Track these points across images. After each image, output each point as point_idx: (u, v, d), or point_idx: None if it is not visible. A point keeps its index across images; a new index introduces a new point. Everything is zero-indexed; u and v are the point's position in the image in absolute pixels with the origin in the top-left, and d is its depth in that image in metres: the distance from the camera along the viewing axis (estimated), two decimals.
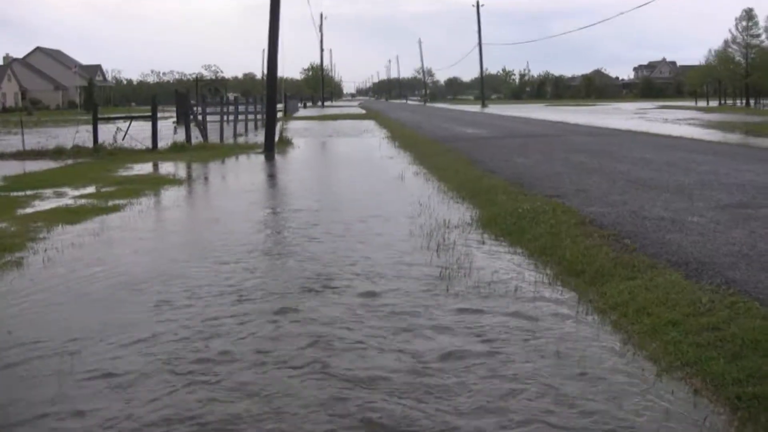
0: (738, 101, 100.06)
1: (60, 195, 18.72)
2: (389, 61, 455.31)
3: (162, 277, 10.24)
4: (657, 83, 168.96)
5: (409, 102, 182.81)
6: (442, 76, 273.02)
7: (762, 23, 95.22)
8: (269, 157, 29.74)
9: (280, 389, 6.33)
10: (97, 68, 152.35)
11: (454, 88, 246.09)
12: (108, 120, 37.97)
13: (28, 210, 16.44)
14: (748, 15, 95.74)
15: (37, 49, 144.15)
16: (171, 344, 7.46)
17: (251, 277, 10.13)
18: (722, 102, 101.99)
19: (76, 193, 19.04)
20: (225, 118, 42.37)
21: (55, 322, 8.31)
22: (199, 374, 6.67)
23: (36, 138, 38.99)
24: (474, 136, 37.15)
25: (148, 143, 32.67)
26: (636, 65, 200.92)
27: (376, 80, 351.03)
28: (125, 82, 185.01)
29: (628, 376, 6.53)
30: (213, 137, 37.20)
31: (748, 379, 6.14)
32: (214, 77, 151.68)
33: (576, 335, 7.59)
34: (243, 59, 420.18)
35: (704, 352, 6.72)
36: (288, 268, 10.72)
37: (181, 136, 35.26)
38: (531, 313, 8.32)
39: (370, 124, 57.90)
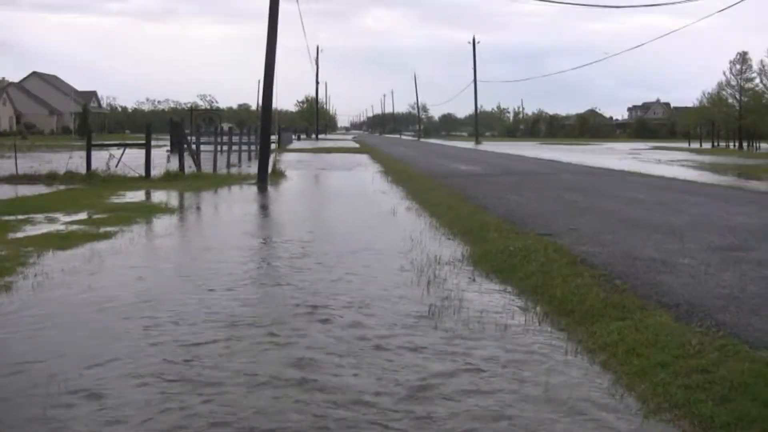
0: (731, 143, 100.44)
1: (51, 220, 18.68)
2: (384, 95, 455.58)
3: (150, 302, 10.23)
4: (651, 124, 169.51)
5: (403, 137, 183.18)
6: (436, 112, 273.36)
7: (756, 66, 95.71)
8: (262, 189, 29.72)
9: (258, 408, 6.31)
10: (93, 95, 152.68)
11: (448, 124, 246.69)
12: (102, 147, 38.01)
13: (19, 234, 16.40)
14: (743, 58, 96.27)
15: (33, 73, 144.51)
16: (154, 366, 7.45)
17: (237, 305, 10.10)
18: (715, 144, 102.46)
19: (68, 219, 18.99)
20: (219, 148, 42.40)
21: (41, 345, 8.28)
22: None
23: (29, 162, 38.96)
24: (467, 173, 37.22)
25: (142, 171, 32.64)
26: (630, 105, 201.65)
27: (370, 114, 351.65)
28: (120, 109, 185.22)
29: (616, 418, 6.52)
30: (206, 167, 37.17)
31: (736, 422, 6.14)
32: (209, 107, 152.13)
33: (565, 375, 7.57)
34: (238, 90, 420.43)
35: (693, 395, 6.71)
36: (275, 298, 10.68)
37: (174, 164, 35.24)
38: (519, 352, 8.31)
39: (363, 158, 57.98)
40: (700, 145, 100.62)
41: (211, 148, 40.94)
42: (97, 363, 7.70)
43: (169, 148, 52.27)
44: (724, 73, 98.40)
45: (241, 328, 9.07)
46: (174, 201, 24.11)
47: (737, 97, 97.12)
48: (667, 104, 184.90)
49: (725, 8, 45.89)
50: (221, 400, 6.77)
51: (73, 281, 11.75)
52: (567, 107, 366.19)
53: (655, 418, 6.48)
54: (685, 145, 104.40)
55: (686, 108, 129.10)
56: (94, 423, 6.28)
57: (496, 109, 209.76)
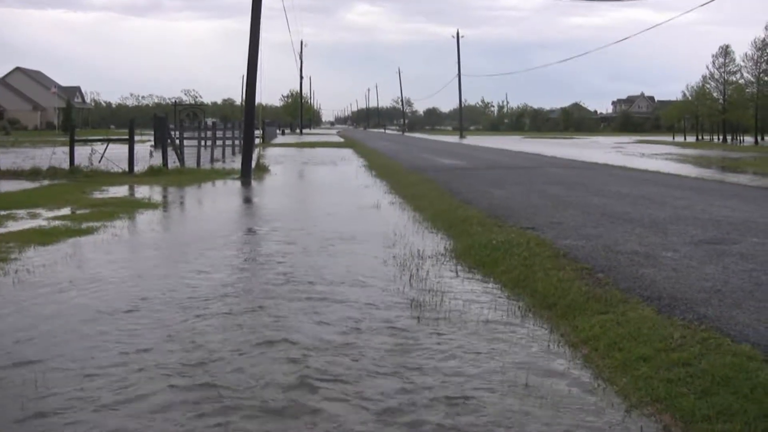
0: (715, 137, 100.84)
1: (34, 216, 18.60)
2: (368, 89, 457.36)
3: (132, 298, 10.20)
4: (635, 118, 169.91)
5: (387, 131, 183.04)
6: (420, 106, 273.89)
7: (738, 60, 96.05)
8: (245, 183, 29.66)
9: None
10: (76, 90, 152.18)
11: (433, 119, 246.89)
12: (85, 142, 37.82)
13: (1, 230, 16.32)
14: (725, 52, 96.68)
15: (17, 69, 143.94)
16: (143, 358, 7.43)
17: (218, 295, 10.08)
18: (699, 137, 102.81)
19: (51, 214, 18.91)
20: (203, 143, 42.27)
21: (21, 341, 8.24)
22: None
23: (12, 158, 38.83)
24: (451, 167, 37.20)
25: (125, 166, 32.55)
26: (614, 99, 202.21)
27: (354, 109, 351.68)
28: (104, 104, 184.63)
29: (597, 412, 6.52)
30: (190, 162, 37.08)
31: (717, 416, 6.14)
32: (193, 102, 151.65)
33: (546, 369, 7.57)
34: (222, 85, 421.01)
35: (675, 388, 6.71)
36: (257, 316, 10.65)
37: (158, 159, 35.12)
38: (501, 345, 8.31)
39: (347, 152, 57.91)
40: (684, 139, 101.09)
41: (195, 143, 40.81)
42: (76, 358, 7.68)
43: (152, 143, 52.11)
44: (707, 67, 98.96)
45: (209, 319, 9.05)
46: (157, 196, 24.04)
47: (721, 90, 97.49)
48: (652, 98, 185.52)
49: (708, 2, 45.93)
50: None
51: (55, 276, 11.70)
52: (551, 101, 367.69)
53: (637, 412, 6.48)
54: (670, 138, 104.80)
55: (670, 102, 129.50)
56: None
57: (480, 103, 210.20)
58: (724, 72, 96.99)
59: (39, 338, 8.41)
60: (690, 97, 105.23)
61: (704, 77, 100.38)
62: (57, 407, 6.48)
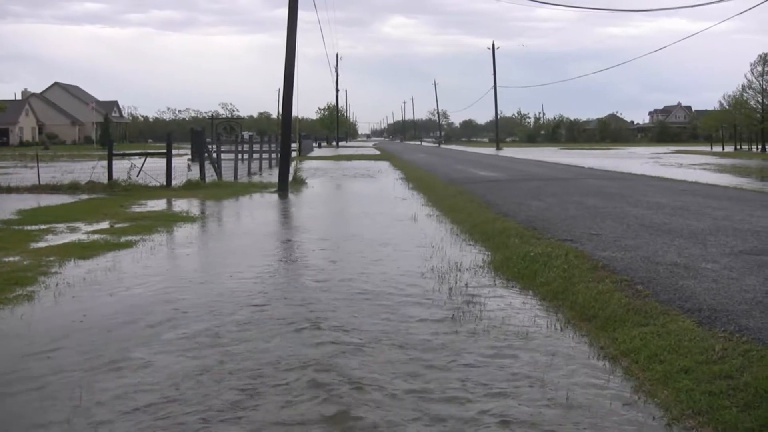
0: (753, 146, 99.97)
1: (73, 230, 18.75)
2: (404, 102, 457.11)
3: (171, 311, 10.26)
4: (672, 128, 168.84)
5: (424, 143, 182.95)
6: (456, 118, 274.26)
7: None
8: (283, 196, 29.74)
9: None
10: (114, 104, 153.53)
11: (469, 130, 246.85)
12: (123, 156, 38.11)
13: (41, 244, 16.47)
14: (764, 60, 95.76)
15: (55, 84, 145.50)
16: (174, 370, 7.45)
17: (256, 316, 10.11)
18: (737, 147, 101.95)
19: (90, 228, 19.06)
20: (239, 156, 42.45)
21: (61, 355, 8.30)
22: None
23: (52, 172, 39.18)
24: (488, 179, 37.12)
25: (163, 180, 32.76)
26: (651, 109, 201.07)
27: (390, 121, 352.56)
28: (141, 118, 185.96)
29: (638, 425, 6.48)
30: (227, 175, 37.27)
31: (761, 429, 6.10)
32: (229, 115, 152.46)
33: (587, 381, 7.53)
34: (259, 98, 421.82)
35: (717, 401, 6.66)
36: (297, 327, 10.66)
37: (195, 173, 35.31)
38: (541, 357, 8.28)
39: (384, 165, 57.96)
40: (722, 149, 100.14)
41: (231, 156, 41.02)
42: (119, 370, 7.72)
43: (190, 156, 52.41)
44: (745, 76, 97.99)
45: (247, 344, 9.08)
46: (195, 210, 24.13)
47: (759, 99, 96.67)
48: (689, 107, 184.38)
49: (745, 10, 45.61)
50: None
51: (95, 290, 11.78)
52: (588, 112, 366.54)
53: (678, 425, 6.43)
54: (707, 148, 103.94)
55: (708, 111, 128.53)
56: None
57: (516, 115, 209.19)
58: (762, 80, 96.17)
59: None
60: (727, 107, 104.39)
61: (742, 86, 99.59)
62: None
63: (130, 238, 17.24)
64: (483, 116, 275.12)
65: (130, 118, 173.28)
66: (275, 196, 29.77)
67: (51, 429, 6.46)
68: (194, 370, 7.81)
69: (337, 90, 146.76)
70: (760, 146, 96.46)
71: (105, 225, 19.73)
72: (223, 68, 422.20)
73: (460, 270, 13.30)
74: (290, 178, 33.88)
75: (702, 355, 7.75)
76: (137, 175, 33.46)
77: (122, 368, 7.92)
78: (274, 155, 51.99)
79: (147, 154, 38.29)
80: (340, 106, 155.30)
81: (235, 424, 6.50)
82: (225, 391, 7.22)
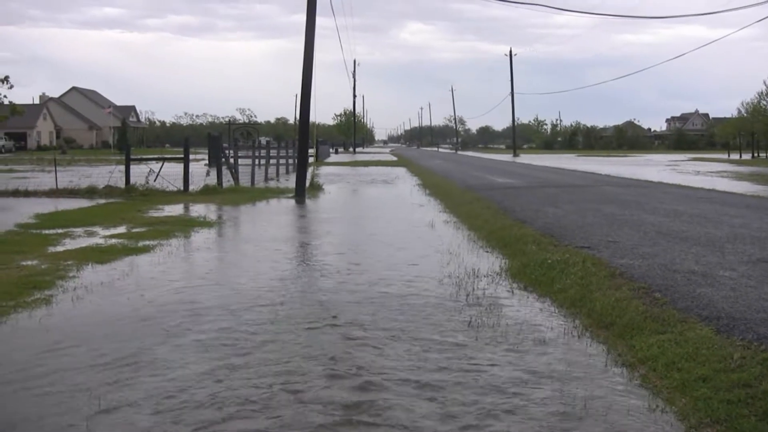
0: None
1: (91, 234, 18.82)
2: (421, 108, 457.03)
3: (188, 315, 10.28)
4: (689, 135, 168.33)
5: (441, 150, 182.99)
6: (473, 125, 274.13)
7: None
8: (300, 202, 29.76)
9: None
10: (131, 109, 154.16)
11: (486, 137, 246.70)
12: (140, 161, 38.19)
13: (59, 248, 16.54)
14: None
15: (73, 88, 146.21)
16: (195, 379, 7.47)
17: (273, 317, 10.12)
18: (755, 155, 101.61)
19: (107, 232, 19.13)
20: (257, 161, 42.49)
21: (78, 359, 8.32)
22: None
23: (69, 176, 39.34)
24: (505, 186, 37.09)
25: (180, 185, 32.83)
26: (668, 117, 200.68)
27: (407, 127, 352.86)
28: (158, 123, 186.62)
29: None
30: (244, 180, 37.32)
31: None
32: (247, 120, 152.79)
33: (604, 389, 7.52)
34: (276, 104, 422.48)
35: (735, 410, 6.65)
36: (314, 328, 10.66)
37: (212, 178, 35.40)
38: (558, 365, 8.27)
39: (401, 171, 57.97)
40: (740, 156, 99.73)
41: (249, 161, 41.04)
42: (141, 375, 7.74)
43: (207, 161, 52.52)
44: (764, 83, 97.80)
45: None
46: (212, 215, 24.16)
47: None
48: (706, 115, 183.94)
49: (764, 17, 45.42)
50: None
51: (112, 294, 11.82)
52: (604, 119, 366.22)
53: None
54: (725, 156, 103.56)
55: (725, 119, 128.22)
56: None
57: (533, 122, 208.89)
58: None
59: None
60: (745, 114, 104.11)
61: (760, 93, 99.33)
62: None
63: (147, 242, 17.28)
64: (500, 123, 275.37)
65: (148, 122, 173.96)
66: (292, 202, 29.79)
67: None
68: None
69: (355, 96, 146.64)
70: None
71: (122, 229, 19.79)
72: (241, 74, 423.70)
73: (477, 276, 13.30)
74: (307, 183, 33.89)
75: (720, 364, 7.73)
76: (154, 180, 33.56)
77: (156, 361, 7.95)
78: (291, 161, 52.05)
79: (164, 159, 38.36)
80: (357, 111, 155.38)
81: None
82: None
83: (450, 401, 7.16)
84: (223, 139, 47.55)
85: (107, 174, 36.53)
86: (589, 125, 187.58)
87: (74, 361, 8.35)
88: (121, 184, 32.61)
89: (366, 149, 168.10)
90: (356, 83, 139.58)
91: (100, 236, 18.46)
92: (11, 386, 7.57)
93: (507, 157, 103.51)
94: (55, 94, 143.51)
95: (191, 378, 7.75)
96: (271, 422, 6.63)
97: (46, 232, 19.13)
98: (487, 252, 16.47)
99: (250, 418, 6.74)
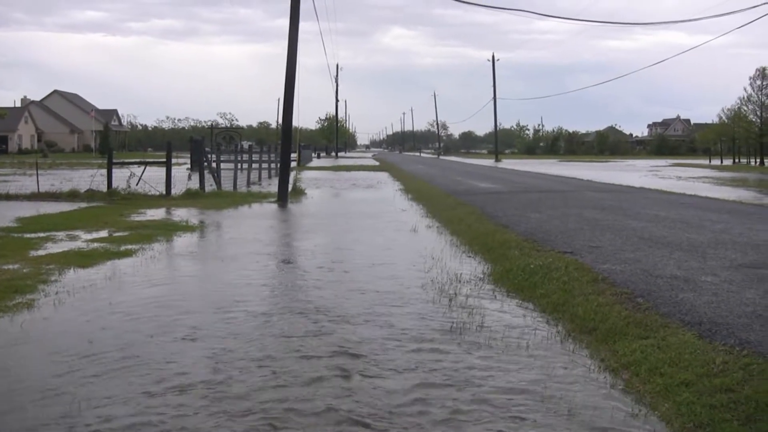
0: (752, 160, 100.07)
1: (73, 238, 18.75)
2: (403, 113, 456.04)
3: (169, 321, 10.25)
4: (671, 141, 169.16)
5: (423, 155, 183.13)
6: (456, 130, 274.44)
7: None
8: (282, 206, 29.73)
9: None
10: (113, 113, 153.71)
11: (468, 142, 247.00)
12: (122, 165, 38.09)
13: (41, 252, 16.47)
14: (762, 74, 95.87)
15: (55, 92, 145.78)
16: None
17: (257, 324, 10.10)
18: (736, 160, 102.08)
19: (89, 236, 19.06)
20: (239, 166, 42.45)
21: (57, 364, 8.29)
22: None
23: (51, 180, 39.20)
24: (487, 191, 37.14)
25: (162, 189, 32.74)
26: (650, 122, 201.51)
27: (390, 132, 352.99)
28: (140, 127, 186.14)
29: None
30: (227, 185, 37.27)
31: None
32: (229, 125, 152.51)
33: (587, 394, 7.53)
34: (258, 108, 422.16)
35: (718, 414, 6.67)
36: (295, 323, 10.65)
37: (195, 182, 35.32)
38: (542, 370, 8.27)
39: (383, 176, 57.98)
40: (721, 162, 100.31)
41: (231, 166, 41.00)
42: (115, 379, 7.72)
43: (189, 166, 52.44)
44: (744, 89, 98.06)
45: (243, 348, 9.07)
46: (194, 219, 24.10)
47: (758, 112, 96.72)
48: (688, 121, 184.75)
49: (743, 25, 45.75)
50: None
51: (94, 298, 11.78)
52: (587, 124, 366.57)
53: None
54: (706, 161, 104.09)
55: (706, 125, 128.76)
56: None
57: (515, 127, 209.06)
58: (761, 94, 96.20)
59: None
60: (726, 120, 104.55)
61: (740, 99, 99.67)
62: None
63: (129, 246, 17.23)
64: (482, 128, 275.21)
65: (130, 126, 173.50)
66: (275, 206, 29.76)
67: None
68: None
69: (337, 100, 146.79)
70: (758, 160, 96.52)
71: (104, 233, 19.72)
72: (223, 78, 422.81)
73: (460, 281, 13.30)
74: (290, 188, 33.87)
75: (703, 368, 7.75)
76: (137, 184, 33.44)
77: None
78: (273, 165, 52.00)
79: (146, 163, 38.24)
80: (339, 116, 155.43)
81: None
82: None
83: (436, 403, 7.16)
84: (205, 144, 47.47)
85: (89, 178, 36.42)
86: (571, 131, 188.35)
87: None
88: (103, 187, 32.54)
89: (348, 154, 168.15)
90: (339, 88, 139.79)
91: (82, 240, 18.39)
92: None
93: (489, 162, 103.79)
94: (37, 98, 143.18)
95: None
96: None
97: (28, 235, 19.06)
98: (470, 257, 16.47)
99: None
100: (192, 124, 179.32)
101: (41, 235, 19.16)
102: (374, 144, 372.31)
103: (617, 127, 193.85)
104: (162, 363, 8.36)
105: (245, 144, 69.57)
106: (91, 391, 7.43)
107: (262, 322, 10.32)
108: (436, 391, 7.56)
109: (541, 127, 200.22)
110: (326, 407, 7.04)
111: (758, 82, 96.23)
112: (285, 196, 32.04)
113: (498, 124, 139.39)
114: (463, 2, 39.92)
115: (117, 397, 7.26)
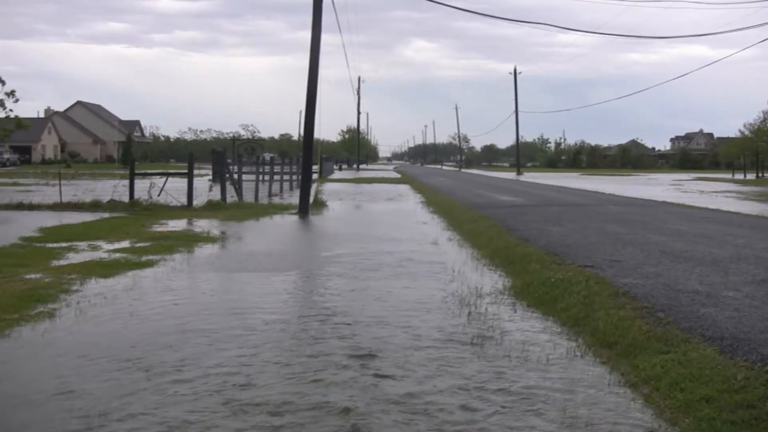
0: None
1: (94, 248, 18.83)
2: (425, 126, 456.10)
3: (189, 332, 10.27)
4: (693, 155, 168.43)
5: (444, 167, 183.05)
6: (477, 143, 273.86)
7: None
8: (303, 218, 29.78)
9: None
10: (136, 124, 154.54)
11: (490, 155, 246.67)
12: (144, 175, 38.25)
13: (63, 262, 16.55)
14: None
15: (78, 103, 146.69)
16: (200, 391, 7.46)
17: (280, 337, 10.11)
18: (759, 175, 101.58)
19: (111, 246, 19.14)
20: (261, 177, 42.53)
21: (77, 375, 8.31)
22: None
23: (73, 190, 39.34)
24: (508, 204, 37.08)
25: (184, 200, 32.83)
26: (673, 136, 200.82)
27: (411, 144, 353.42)
28: (163, 138, 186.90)
29: None
30: (248, 196, 37.35)
31: None
32: (251, 137, 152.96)
33: (607, 409, 7.50)
34: (280, 120, 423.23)
35: (739, 431, 6.63)
36: (321, 342, 10.65)
37: (216, 194, 35.38)
38: (561, 384, 8.24)
39: (404, 188, 58.00)
40: (744, 176, 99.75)
41: (253, 177, 41.07)
42: (139, 389, 7.74)
43: (211, 177, 52.55)
44: None
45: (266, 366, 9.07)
46: (216, 230, 24.13)
47: None
48: (711, 135, 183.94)
49: (766, 38, 45.65)
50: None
51: (115, 308, 11.82)
52: (609, 138, 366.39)
53: None
54: (729, 175, 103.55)
55: (729, 138, 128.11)
56: None
57: (537, 140, 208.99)
58: None
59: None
60: (749, 134, 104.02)
61: (764, 113, 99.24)
62: None
63: (151, 257, 17.29)
64: (504, 141, 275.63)
65: (152, 137, 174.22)
66: (296, 218, 29.80)
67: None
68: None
69: (359, 113, 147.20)
70: None
71: (126, 244, 19.80)
72: (245, 90, 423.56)
73: (480, 295, 13.28)
74: (311, 200, 33.91)
75: (724, 384, 7.70)
76: (158, 195, 33.57)
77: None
78: (295, 177, 52.14)
79: (168, 174, 38.39)
80: (361, 128, 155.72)
81: None
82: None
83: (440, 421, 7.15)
84: (227, 155, 47.56)
85: (111, 188, 36.57)
86: (593, 144, 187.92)
87: None
88: (125, 198, 32.67)
89: (370, 166, 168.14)
90: (360, 100, 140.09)
91: (104, 250, 18.47)
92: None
93: (511, 176, 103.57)
94: (60, 108, 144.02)
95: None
96: None
97: (50, 245, 19.15)
98: (491, 270, 16.45)
99: None
100: (214, 135, 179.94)
101: (63, 245, 19.25)
102: (396, 156, 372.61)
103: (639, 141, 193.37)
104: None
105: (267, 156, 69.61)
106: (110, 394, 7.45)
107: (286, 328, 10.34)
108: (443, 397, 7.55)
109: (563, 140, 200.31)
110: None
111: None
112: (306, 207, 32.07)
113: (520, 137, 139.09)
114: (486, 15, 39.93)
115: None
